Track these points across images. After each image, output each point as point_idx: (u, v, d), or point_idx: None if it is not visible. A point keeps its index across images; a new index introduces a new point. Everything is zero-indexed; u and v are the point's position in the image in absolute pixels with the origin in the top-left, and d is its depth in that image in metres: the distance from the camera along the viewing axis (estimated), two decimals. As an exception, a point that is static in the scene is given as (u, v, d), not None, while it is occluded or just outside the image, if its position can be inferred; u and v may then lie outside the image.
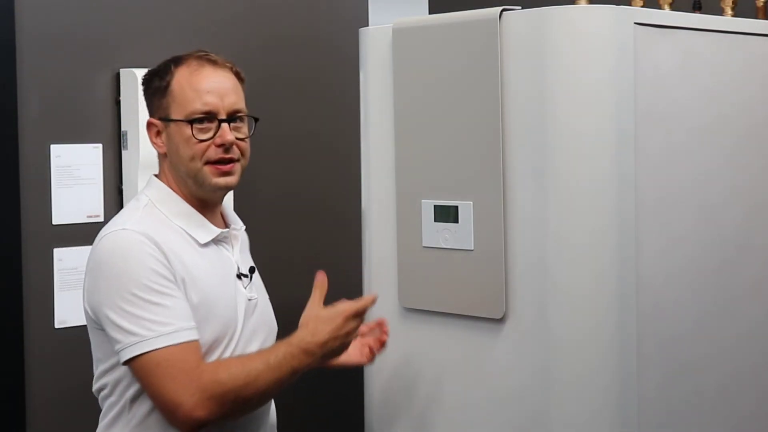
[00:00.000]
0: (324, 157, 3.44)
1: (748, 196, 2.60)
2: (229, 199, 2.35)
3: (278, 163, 3.29)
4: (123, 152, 2.94)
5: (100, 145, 2.92)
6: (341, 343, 2.08)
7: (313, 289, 2.13)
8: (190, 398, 1.93)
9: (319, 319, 2.07)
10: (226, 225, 2.23)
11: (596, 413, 2.28)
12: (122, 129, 2.93)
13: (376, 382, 2.62)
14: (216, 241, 2.15)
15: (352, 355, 2.34)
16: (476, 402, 2.42)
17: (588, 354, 2.28)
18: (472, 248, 2.38)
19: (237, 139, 2.11)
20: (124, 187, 2.93)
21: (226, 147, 2.09)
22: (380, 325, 2.39)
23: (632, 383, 2.30)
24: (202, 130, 2.09)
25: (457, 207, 2.40)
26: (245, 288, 2.16)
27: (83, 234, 2.81)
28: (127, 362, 1.98)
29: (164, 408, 1.97)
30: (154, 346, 1.95)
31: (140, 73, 2.88)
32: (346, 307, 2.08)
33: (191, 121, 2.08)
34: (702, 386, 2.49)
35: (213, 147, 2.09)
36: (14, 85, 2.76)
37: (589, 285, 2.27)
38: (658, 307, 2.37)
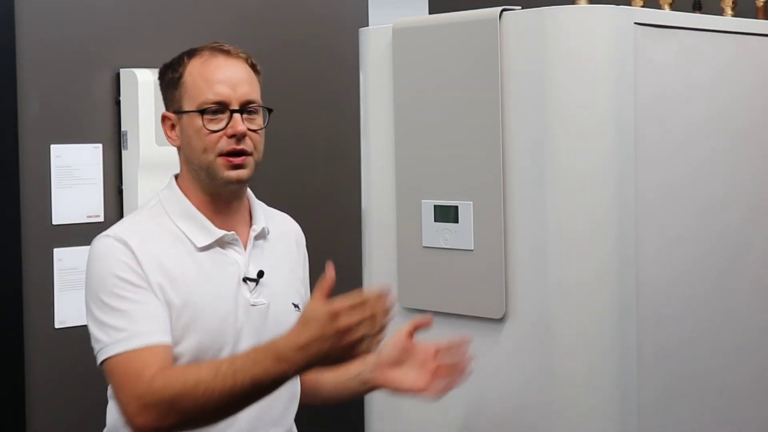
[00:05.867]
0: (324, 157, 3.44)
1: (747, 197, 2.60)
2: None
3: (278, 163, 3.29)
4: (123, 152, 2.94)
5: (100, 145, 2.92)
6: (332, 346, 1.76)
7: (317, 285, 1.83)
8: (129, 405, 1.88)
9: (305, 317, 1.79)
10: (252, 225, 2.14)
11: (597, 413, 2.28)
12: (122, 129, 2.93)
13: (376, 382, 2.62)
14: (221, 243, 2.07)
15: (405, 381, 2.10)
16: (476, 402, 2.42)
17: (588, 354, 2.28)
18: (472, 248, 2.38)
19: (250, 130, 2.04)
20: (124, 187, 2.93)
21: (238, 138, 2.02)
22: (459, 347, 2.10)
23: (633, 382, 2.30)
24: (214, 121, 2.03)
25: (457, 207, 2.40)
26: (250, 292, 2.07)
27: (83, 234, 2.81)
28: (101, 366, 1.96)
29: (121, 414, 1.92)
30: (111, 352, 1.92)
31: (140, 73, 2.89)
32: (336, 301, 1.76)
33: (202, 112, 2.03)
34: (702, 384, 2.49)
35: (225, 138, 2.02)
36: (14, 85, 2.76)
37: (589, 284, 2.28)
38: (659, 305, 2.37)
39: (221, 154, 2.03)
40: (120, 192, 2.94)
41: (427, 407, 2.51)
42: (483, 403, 2.41)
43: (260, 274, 2.09)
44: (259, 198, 2.28)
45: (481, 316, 2.38)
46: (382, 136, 2.56)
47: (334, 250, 3.36)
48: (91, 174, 2.90)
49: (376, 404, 2.62)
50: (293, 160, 3.36)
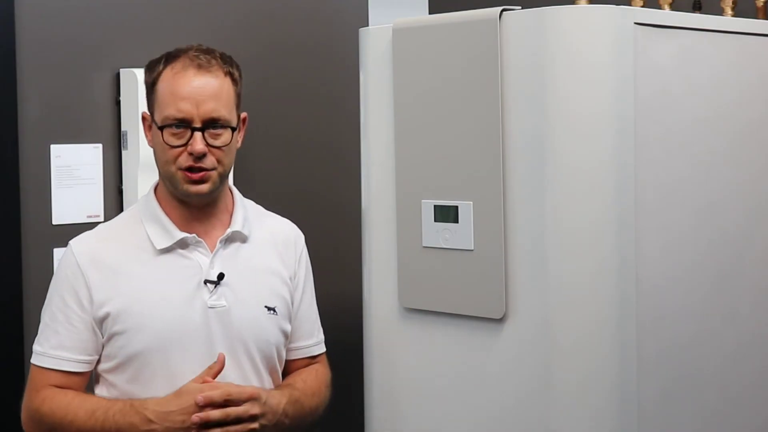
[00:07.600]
0: (324, 157, 3.44)
1: (747, 197, 2.60)
2: (245, 201, 2.25)
3: (278, 163, 3.29)
4: (123, 152, 2.94)
5: (100, 145, 2.92)
6: (181, 421, 2.00)
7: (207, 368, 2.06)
8: (23, 413, 2.16)
9: (180, 390, 2.03)
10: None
11: (597, 413, 2.28)
12: (122, 129, 2.93)
13: (376, 382, 2.62)
14: (183, 245, 2.12)
15: None
16: (476, 402, 2.42)
17: (588, 354, 2.28)
18: (472, 248, 2.38)
19: (214, 147, 2.06)
20: (124, 187, 2.93)
21: (195, 156, 2.05)
22: None
23: (633, 382, 2.30)
24: (176, 136, 2.06)
25: (457, 207, 2.40)
26: (210, 294, 2.11)
27: (83, 234, 2.81)
28: None
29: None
30: (32, 359, 2.14)
31: (140, 73, 2.89)
32: (202, 391, 2.00)
33: (162, 127, 2.06)
34: (702, 384, 2.49)
35: (185, 154, 2.06)
36: (14, 85, 2.76)
37: (589, 284, 2.27)
38: (659, 306, 2.37)
39: (181, 168, 2.07)
40: (120, 192, 2.95)
41: (427, 407, 2.51)
42: (483, 403, 2.41)
43: (220, 276, 2.12)
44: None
45: (481, 316, 2.38)
46: (382, 136, 2.56)
47: (334, 250, 3.37)
48: (91, 174, 2.91)
49: (377, 403, 2.62)
50: (293, 160, 3.36)
